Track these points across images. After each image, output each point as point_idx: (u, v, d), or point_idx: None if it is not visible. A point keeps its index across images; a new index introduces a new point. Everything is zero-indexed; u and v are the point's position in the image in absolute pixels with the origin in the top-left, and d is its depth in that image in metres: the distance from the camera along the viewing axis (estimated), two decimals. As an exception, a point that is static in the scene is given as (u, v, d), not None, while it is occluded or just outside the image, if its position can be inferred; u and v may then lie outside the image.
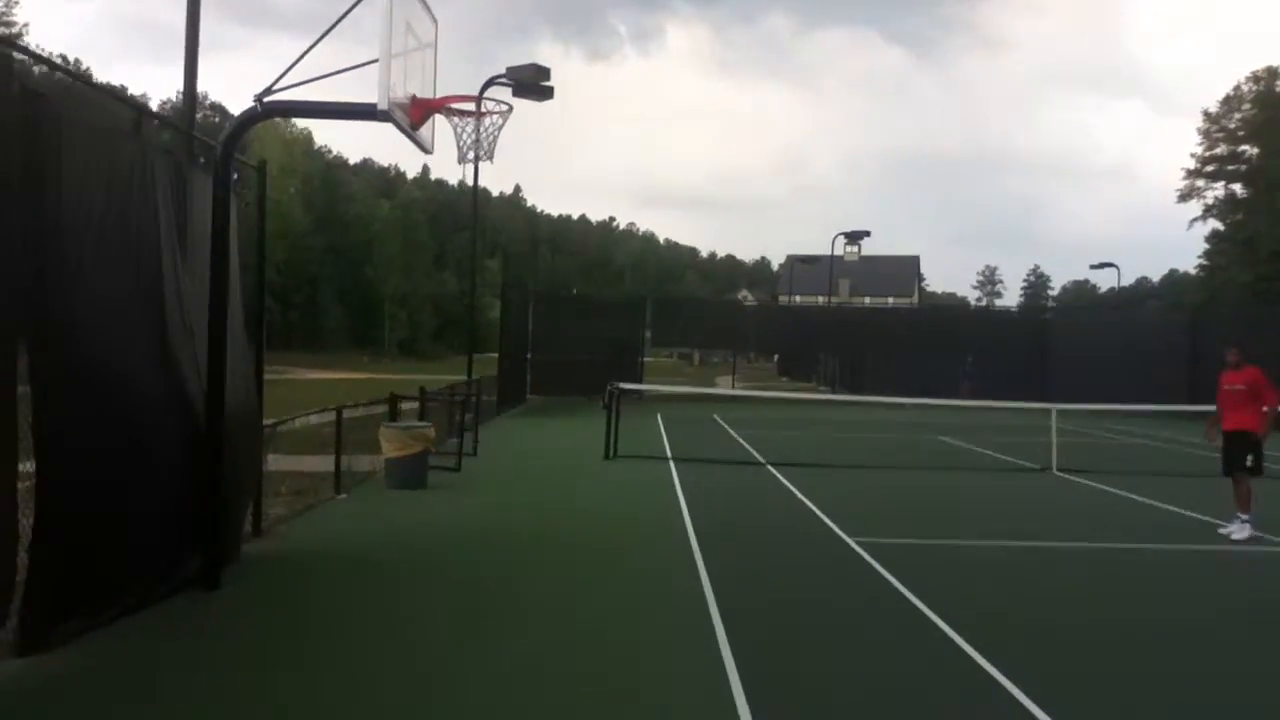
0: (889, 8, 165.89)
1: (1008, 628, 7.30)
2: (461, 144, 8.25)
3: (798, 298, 76.45)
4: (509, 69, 25.14)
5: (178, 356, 7.74)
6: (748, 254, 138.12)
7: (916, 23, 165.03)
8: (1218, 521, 11.68)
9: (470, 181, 26.10)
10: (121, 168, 6.88)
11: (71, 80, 6.32)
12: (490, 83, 24.94)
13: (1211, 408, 11.98)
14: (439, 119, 8.65)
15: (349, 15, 8.24)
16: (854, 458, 18.26)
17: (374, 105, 7.79)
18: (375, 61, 7.79)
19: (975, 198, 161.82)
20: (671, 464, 16.48)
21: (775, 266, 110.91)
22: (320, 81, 8.43)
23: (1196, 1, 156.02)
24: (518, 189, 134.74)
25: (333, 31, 8.12)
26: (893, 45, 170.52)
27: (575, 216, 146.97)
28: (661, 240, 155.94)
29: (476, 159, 8.97)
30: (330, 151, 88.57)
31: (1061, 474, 16.45)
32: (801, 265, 66.91)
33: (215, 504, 7.77)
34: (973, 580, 8.87)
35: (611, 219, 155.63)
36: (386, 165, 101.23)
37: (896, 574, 8.77)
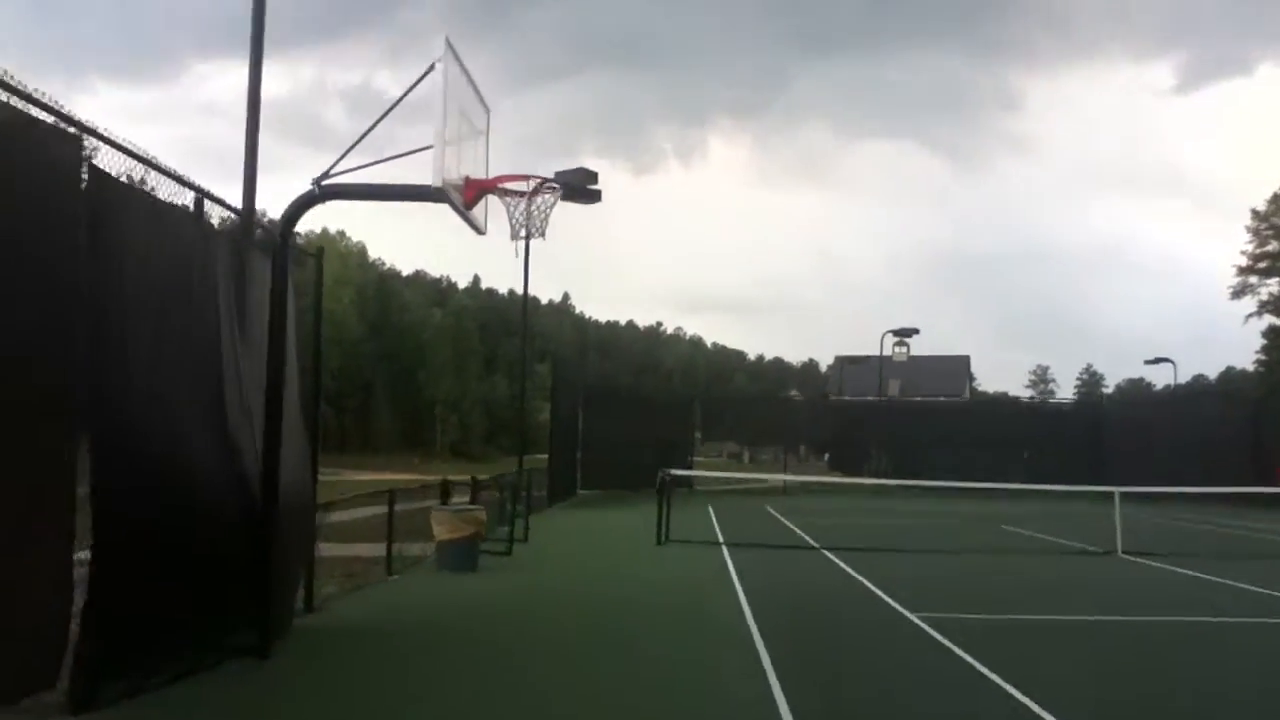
0: (925, 119, 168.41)
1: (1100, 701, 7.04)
2: (514, 222, 8.43)
3: (847, 398, 76.07)
4: (557, 173, 25.61)
5: (235, 434, 7.87)
6: (795, 356, 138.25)
7: (953, 131, 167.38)
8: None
9: (521, 275, 26.49)
10: (183, 248, 7.10)
11: (136, 159, 6.55)
12: (539, 188, 25.56)
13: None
14: (492, 201, 8.86)
15: (406, 103, 8.57)
16: (910, 543, 17.90)
17: (429, 187, 8.03)
18: (430, 148, 8.07)
19: (1021, 298, 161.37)
20: (724, 548, 16.29)
21: (823, 368, 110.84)
22: (377, 168, 8.76)
23: (1230, 103, 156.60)
24: (566, 296, 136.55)
25: (390, 127, 8.40)
26: (931, 153, 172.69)
27: (623, 322, 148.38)
28: (709, 344, 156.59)
29: (528, 236, 9.14)
30: (384, 264, 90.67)
31: (1127, 556, 16.00)
32: (850, 365, 66.74)
33: (268, 577, 7.78)
34: (1052, 653, 8.59)
35: (659, 323, 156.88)
36: (439, 276, 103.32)
37: (959, 645, 8.54)
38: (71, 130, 5.87)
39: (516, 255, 8.51)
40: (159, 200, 6.86)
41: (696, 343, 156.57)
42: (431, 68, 7.47)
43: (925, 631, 9.21)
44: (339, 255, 76.92)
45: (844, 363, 72.43)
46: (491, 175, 8.57)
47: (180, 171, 7.08)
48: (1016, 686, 7.12)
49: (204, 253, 7.41)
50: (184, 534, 6.89)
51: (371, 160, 8.19)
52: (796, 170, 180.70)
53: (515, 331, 37.76)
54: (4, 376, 5.23)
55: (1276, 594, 12.11)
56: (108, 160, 6.26)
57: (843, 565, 14.32)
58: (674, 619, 9.45)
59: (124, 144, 6.41)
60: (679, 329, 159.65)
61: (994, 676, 7.46)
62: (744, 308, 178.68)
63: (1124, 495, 17.67)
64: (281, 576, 8.18)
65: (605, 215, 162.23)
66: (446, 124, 7.68)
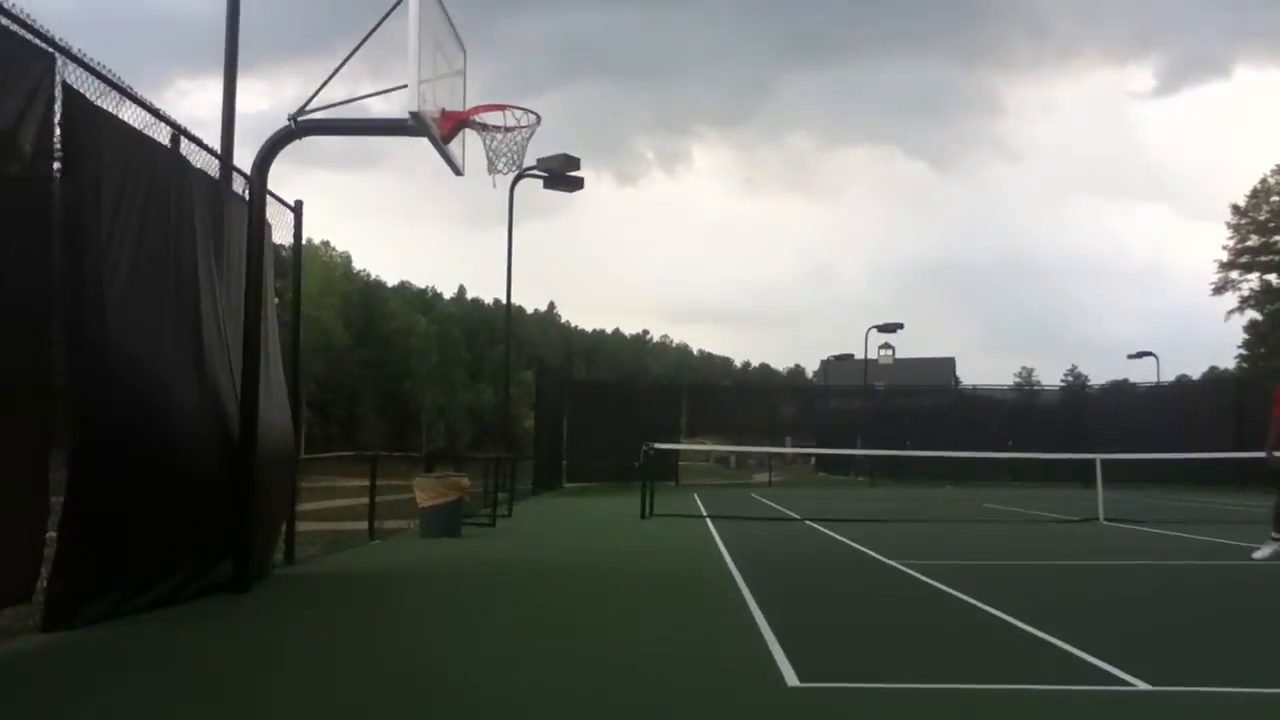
0: (909, 125, 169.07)
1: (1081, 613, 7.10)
2: (490, 154, 8.44)
3: (833, 403, 76.11)
4: (539, 160, 25.75)
5: (215, 372, 7.87)
6: (781, 363, 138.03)
7: (936, 137, 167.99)
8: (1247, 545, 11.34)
9: (505, 284, 26.46)
10: (159, 180, 7.10)
11: (111, 84, 6.55)
12: (521, 174, 25.57)
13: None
14: (470, 138, 8.86)
15: (383, 54, 8.59)
16: (893, 515, 17.92)
17: (405, 120, 8.05)
18: (404, 86, 8.09)
19: (1006, 302, 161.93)
20: (708, 520, 16.30)
21: (810, 374, 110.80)
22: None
23: (1209, 105, 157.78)
24: (552, 305, 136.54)
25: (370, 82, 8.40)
26: (914, 159, 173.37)
27: (609, 330, 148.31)
28: (695, 351, 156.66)
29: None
30: (369, 274, 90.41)
31: (1109, 522, 16.07)
32: (836, 364, 66.86)
33: (247, 514, 7.76)
34: (1028, 584, 8.64)
35: (645, 331, 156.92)
36: (424, 286, 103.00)
37: (933, 579, 8.58)
38: (44, 47, 5.87)
39: (494, 187, 8.41)
40: (134, 129, 6.86)
41: (683, 350, 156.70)
42: (406, -7, 7.47)
43: (908, 573, 9.25)
44: (323, 265, 76.76)
45: (830, 362, 72.56)
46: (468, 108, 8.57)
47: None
48: (989, 604, 7.27)
49: (180, 187, 7.42)
50: (161, 462, 6.87)
51: (347, 97, 8.22)
52: (780, 178, 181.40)
53: (501, 340, 37.66)
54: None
55: (1237, 544, 12.20)
56: (82, 83, 6.27)
57: (827, 531, 14.35)
58: (660, 577, 9.42)
59: (99, 68, 6.42)
60: (665, 337, 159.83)
61: (968, 598, 7.57)
62: (730, 316, 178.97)
63: (1109, 482, 17.75)
64: (261, 517, 8.15)
65: (590, 225, 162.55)
66: (421, 56, 7.68)
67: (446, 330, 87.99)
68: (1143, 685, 4.79)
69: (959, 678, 5.03)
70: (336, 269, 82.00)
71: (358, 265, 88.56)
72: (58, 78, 5.96)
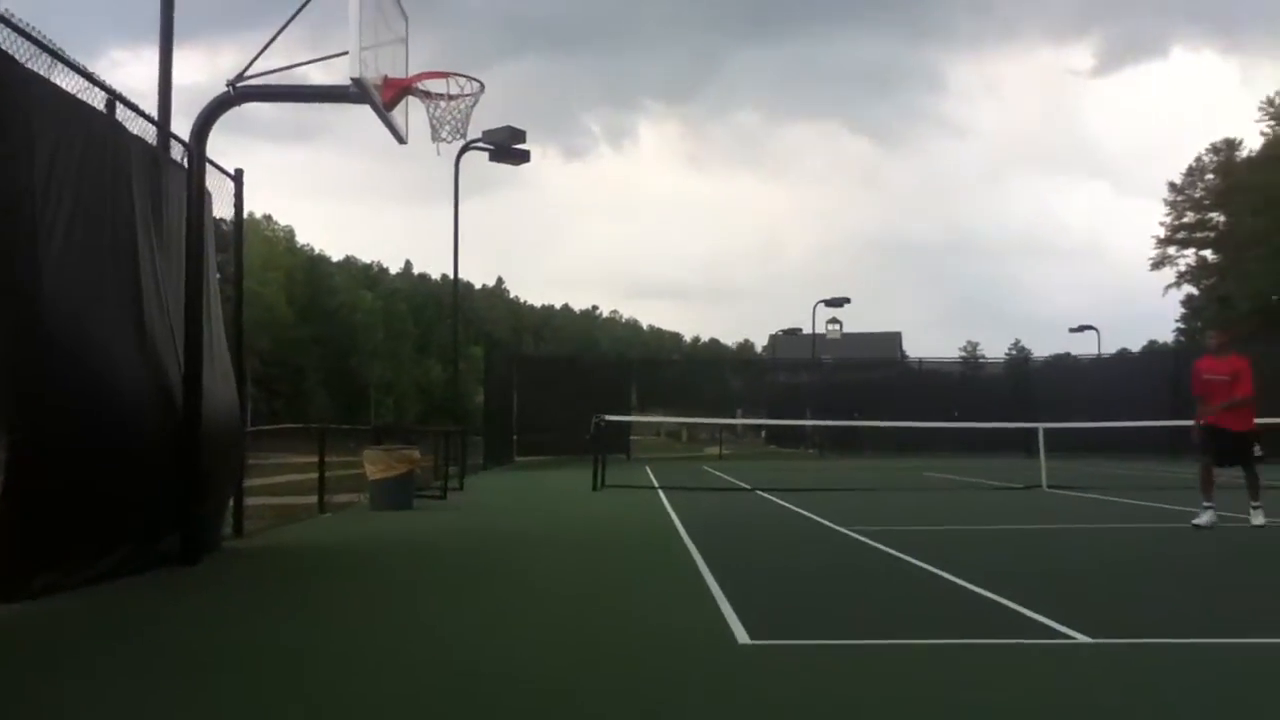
0: (853, 101, 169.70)
1: (1020, 575, 7.24)
2: (434, 122, 8.35)
3: (782, 377, 76.68)
4: (485, 132, 25.48)
5: (156, 344, 7.73)
6: (731, 338, 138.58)
7: (880, 113, 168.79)
8: (1183, 509, 11.62)
9: (453, 258, 26.25)
10: (94, 146, 6.94)
11: (42, 47, 6.38)
12: (466, 147, 25.34)
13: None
14: (414, 107, 8.78)
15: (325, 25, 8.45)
16: (840, 485, 18.12)
17: (347, 86, 7.94)
18: (346, 54, 7.96)
19: (951, 278, 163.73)
20: (660, 491, 16.39)
21: (759, 349, 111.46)
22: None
23: (1146, 84, 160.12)
24: (500, 281, 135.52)
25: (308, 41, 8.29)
26: (859, 135, 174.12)
27: (558, 306, 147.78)
28: (645, 327, 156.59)
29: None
30: (313, 249, 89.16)
31: (1052, 490, 16.37)
32: (785, 338, 67.30)
33: (192, 485, 7.67)
34: (972, 548, 8.79)
35: (595, 307, 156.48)
36: (369, 261, 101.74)
37: (879, 542, 8.71)
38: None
39: (438, 154, 8.32)
40: (67, 93, 6.69)
41: (633, 325, 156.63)
42: (346, -45, 7.34)
43: (854, 538, 9.38)
44: (265, 240, 75.62)
45: (779, 337, 73.06)
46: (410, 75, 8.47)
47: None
48: (934, 565, 7.44)
49: (116, 154, 7.26)
50: (104, 432, 6.76)
51: (287, 64, 8.08)
52: (728, 154, 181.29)
53: (449, 316, 37.37)
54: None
55: (1172, 508, 12.51)
56: (12, 46, 6.11)
57: (776, 500, 14.49)
58: (612, 545, 9.47)
59: (32, 32, 6.25)
60: (615, 312, 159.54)
61: (914, 560, 7.73)
62: (680, 291, 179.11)
63: (1052, 452, 18.05)
64: (208, 488, 8.06)
65: (538, 201, 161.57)
66: (363, 22, 7.57)
67: (393, 305, 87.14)
68: (1083, 638, 4.91)
69: (905, 634, 5.12)
70: (279, 244, 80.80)
71: (301, 240, 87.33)
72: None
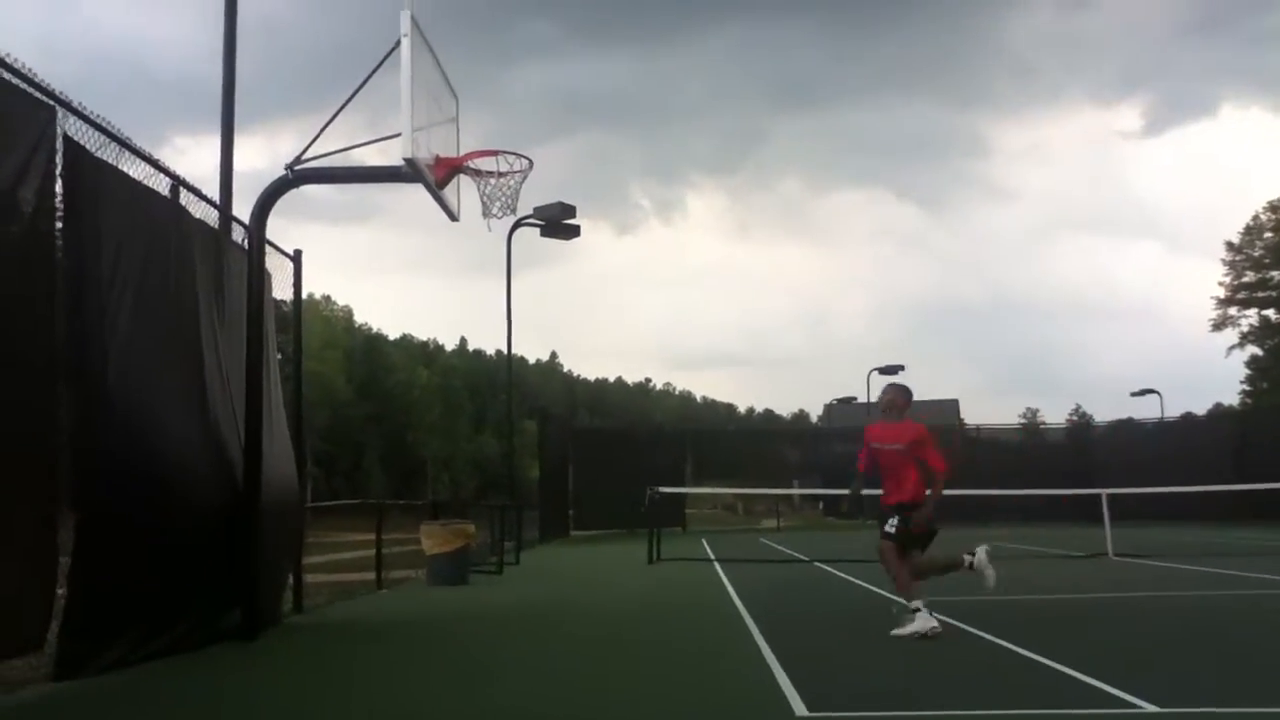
0: (899, 168, 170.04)
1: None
2: (485, 198, 8.52)
3: (838, 447, 75.99)
4: (536, 209, 25.88)
5: (218, 422, 7.90)
6: (785, 408, 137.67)
7: (927, 180, 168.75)
8: (1257, 575, 11.27)
9: (506, 335, 26.52)
10: (159, 231, 7.18)
11: (112, 136, 6.65)
12: (518, 224, 25.76)
13: None
14: (465, 185, 8.97)
15: (378, 104, 8.71)
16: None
17: (400, 167, 8.14)
18: (399, 135, 8.17)
19: (1005, 343, 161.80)
20: (716, 564, 16.23)
21: (814, 418, 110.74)
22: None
23: (1196, 147, 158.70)
24: (554, 355, 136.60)
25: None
26: (905, 201, 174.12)
27: (612, 379, 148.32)
28: (699, 398, 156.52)
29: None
30: (370, 328, 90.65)
31: (1118, 558, 15.95)
32: (840, 406, 66.79)
33: (253, 561, 7.76)
34: (1037, 618, 8.59)
35: (648, 379, 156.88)
36: (425, 339, 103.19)
37: (940, 613, 8.54)
38: (45, 100, 5.97)
39: (489, 230, 8.46)
40: (134, 180, 6.95)
41: (686, 397, 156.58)
42: (397, 44, 7.59)
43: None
44: (324, 319, 77.04)
45: (834, 406, 72.52)
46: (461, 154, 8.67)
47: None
48: (997, 636, 7.29)
49: (180, 238, 7.49)
50: (167, 511, 6.90)
51: (343, 147, 8.32)
52: (775, 223, 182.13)
53: (503, 390, 37.61)
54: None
55: (1242, 575, 12.15)
56: (82, 135, 6.37)
57: (835, 571, 14.27)
58: (668, 616, 9.41)
59: (99, 121, 6.52)
60: (668, 384, 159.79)
61: (976, 630, 7.58)
62: (732, 361, 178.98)
63: (1117, 519, 17.57)
64: (268, 564, 8.14)
65: (590, 275, 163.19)
66: (414, 104, 7.78)
67: (449, 381, 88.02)
68: (1150, 707, 4.77)
69: (967, 704, 5.01)
70: (338, 323, 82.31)
71: (359, 319, 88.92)
72: (59, 130, 6.07)
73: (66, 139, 6.12)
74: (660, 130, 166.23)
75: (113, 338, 6.43)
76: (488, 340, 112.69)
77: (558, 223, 26.23)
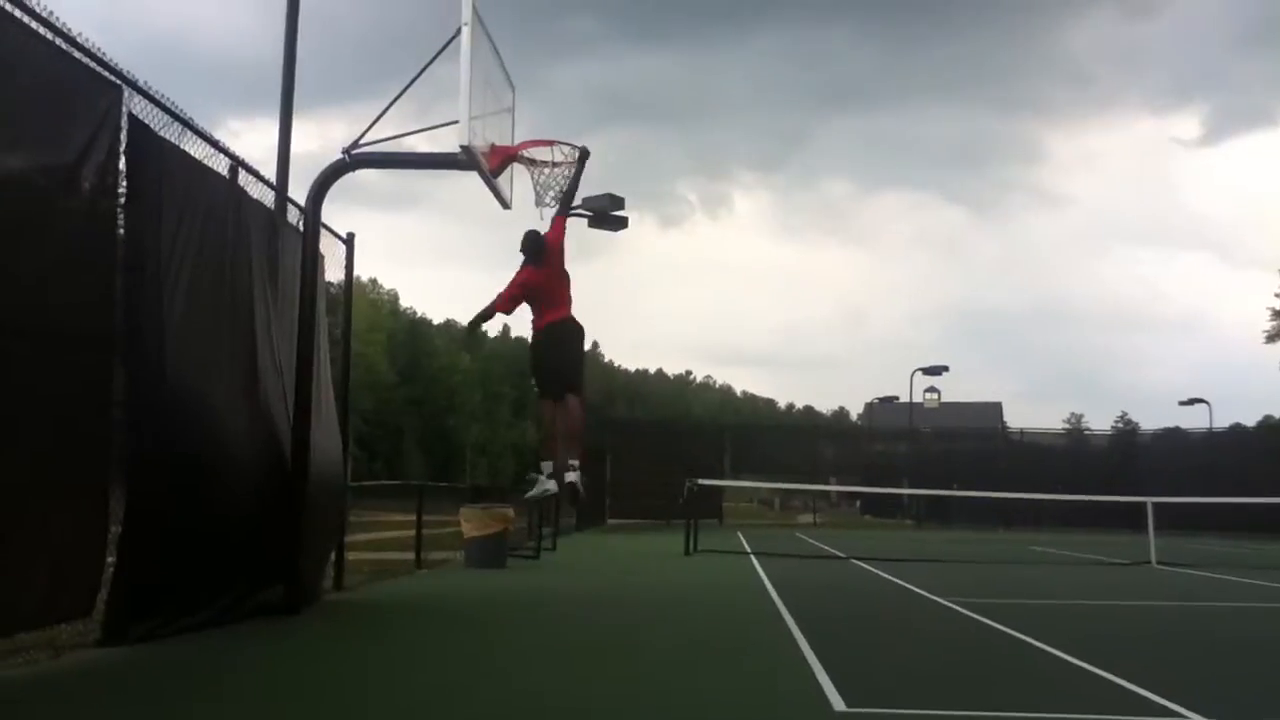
0: (946, 172, 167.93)
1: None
2: (538, 188, 8.57)
3: (878, 445, 75.46)
4: (584, 199, 25.73)
5: (268, 397, 8.02)
6: (825, 405, 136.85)
7: (975, 184, 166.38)
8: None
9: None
10: (217, 209, 7.29)
11: (175, 116, 6.77)
12: (566, 215, 25.85)
13: None
14: (518, 174, 9.01)
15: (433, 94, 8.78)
16: (939, 554, 17.69)
17: (456, 153, 8.20)
18: (452, 124, 8.23)
19: (1051, 349, 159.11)
20: (752, 557, 16.23)
21: (854, 417, 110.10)
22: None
23: (1254, 157, 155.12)
24: (595, 345, 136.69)
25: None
26: (952, 205, 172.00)
27: (652, 371, 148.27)
28: (739, 392, 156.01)
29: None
30: (415, 313, 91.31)
31: (1161, 566, 15.75)
32: (881, 406, 66.35)
33: (298, 536, 7.87)
34: (1077, 623, 8.52)
35: (688, 372, 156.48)
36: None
37: (980, 614, 8.49)
38: (112, 79, 6.09)
39: (541, 219, 8.50)
40: (195, 159, 7.06)
41: (726, 391, 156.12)
42: (458, 31, 7.65)
43: (954, 609, 9.17)
44: (370, 303, 77.73)
45: (875, 405, 72.06)
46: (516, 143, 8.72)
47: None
48: (1037, 639, 7.18)
49: (237, 218, 7.60)
50: (215, 485, 7.00)
51: (396, 134, 8.40)
52: (820, 223, 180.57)
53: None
54: (45, 307, 5.37)
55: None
56: (146, 115, 6.49)
57: (872, 569, 14.23)
58: (705, 608, 9.43)
59: (164, 101, 6.63)
60: (709, 378, 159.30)
61: (1017, 633, 7.50)
62: (773, 359, 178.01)
63: (1162, 529, 17.34)
64: (311, 540, 8.26)
65: (635, 267, 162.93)
66: (472, 92, 7.83)
67: (490, 368, 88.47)
68: (1195, 716, 4.71)
69: (1006, 706, 4.99)
70: (383, 306, 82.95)
71: (404, 304, 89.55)
72: (124, 109, 6.18)
73: (131, 118, 6.23)
74: (706, 127, 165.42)
75: (169, 314, 6.54)
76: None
77: (606, 214, 26.25)
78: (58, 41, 5.54)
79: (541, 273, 8.10)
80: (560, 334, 8.17)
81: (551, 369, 8.24)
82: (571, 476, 7.67)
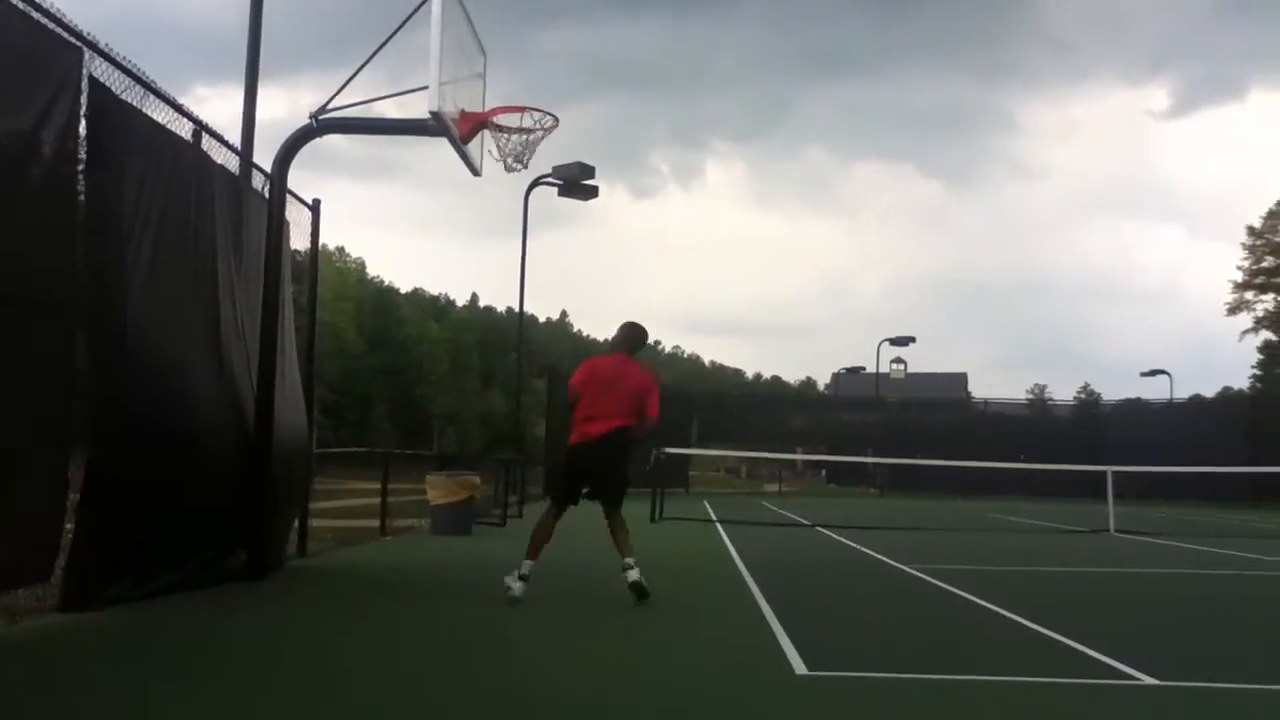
0: (924, 142, 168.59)
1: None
2: (507, 154, 8.53)
3: (844, 415, 75.96)
4: (555, 168, 25.80)
5: (231, 362, 7.96)
6: (793, 375, 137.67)
7: (953, 155, 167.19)
8: (1258, 557, 11.36)
9: (518, 292, 26.58)
10: (181, 171, 7.21)
11: (137, 79, 6.67)
12: (536, 183, 25.75)
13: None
14: (488, 140, 8.96)
15: (403, 56, 8.70)
16: (901, 522, 17.92)
17: (425, 120, 8.14)
18: (422, 89, 8.17)
19: (1019, 320, 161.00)
20: (718, 525, 16.38)
21: (821, 386, 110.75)
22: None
23: (1223, 130, 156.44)
24: (564, 314, 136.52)
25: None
26: (929, 177, 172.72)
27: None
28: (707, 362, 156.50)
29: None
30: (383, 281, 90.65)
31: (1120, 534, 16.04)
32: (847, 376, 66.77)
33: (264, 499, 7.85)
34: (1036, 588, 8.67)
35: (657, 342, 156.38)
36: (437, 294, 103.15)
37: (939, 580, 8.62)
38: (73, 41, 5.99)
39: (506, 172, 8.45)
40: (158, 124, 6.97)
41: (695, 361, 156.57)
42: (428, -5, 7.57)
43: (915, 575, 9.31)
44: (337, 271, 77.08)
45: (841, 375, 72.51)
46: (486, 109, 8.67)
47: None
48: (995, 604, 7.34)
49: (201, 184, 7.52)
50: (178, 450, 6.96)
51: (367, 98, 8.33)
52: (795, 193, 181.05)
53: (513, 348, 37.68)
54: (3, 273, 5.29)
55: (1246, 555, 12.21)
56: (107, 78, 6.39)
57: (836, 536, 14.39)
58: (667, 574, 9.44)
59: (125, 63, 6.53)
60: (677, 347, 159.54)
61: (975, 598, 7.65)
62: (743, 328, 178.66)
63: (1122, 498, 17.63)
64: (276, 507, 8.25)
65: (605, 237, 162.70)
66: (443, 57, 7.76)
67: (459, 337, 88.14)
68: (1149, 680, 4.83)
69: (964, 669, 5.09)
70: (350, 275, 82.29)
71: (371, 272, 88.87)
72: (84, 71, 6.08)
73: (92, 80, 6.14)
74: (683, 95, 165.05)
75: (131, 279, 6.47)
76: (499, 298, 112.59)
77: (575, 182, 26.14)
78: (14, 1, 5.46)
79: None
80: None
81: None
82: (634, 576, 7.54)
